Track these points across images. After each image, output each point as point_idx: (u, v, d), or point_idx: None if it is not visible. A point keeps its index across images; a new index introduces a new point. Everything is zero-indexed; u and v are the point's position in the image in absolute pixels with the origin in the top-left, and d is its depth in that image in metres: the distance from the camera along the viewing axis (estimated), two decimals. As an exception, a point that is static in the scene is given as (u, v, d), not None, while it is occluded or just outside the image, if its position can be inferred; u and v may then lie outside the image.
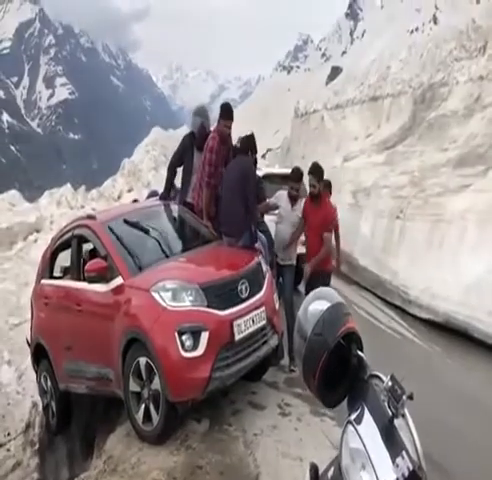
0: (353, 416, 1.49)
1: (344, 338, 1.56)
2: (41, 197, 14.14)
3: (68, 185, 14.11)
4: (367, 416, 1.45)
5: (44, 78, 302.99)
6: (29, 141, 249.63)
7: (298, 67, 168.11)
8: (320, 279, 5.31)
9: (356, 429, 1.44)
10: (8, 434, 5.64)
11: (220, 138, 5.67)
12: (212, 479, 3.58)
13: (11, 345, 7.19)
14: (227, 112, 5.74)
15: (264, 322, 4.41)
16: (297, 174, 5.80)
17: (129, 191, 15.41)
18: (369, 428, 1.42)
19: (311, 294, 1.68)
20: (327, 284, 5.51)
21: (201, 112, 6.37)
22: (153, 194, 7.39)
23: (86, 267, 4.50)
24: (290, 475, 3.61)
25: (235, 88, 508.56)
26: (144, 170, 17.01)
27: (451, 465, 3.91)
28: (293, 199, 5.85)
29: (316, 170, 5.54)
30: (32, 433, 5.81)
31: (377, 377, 1.54)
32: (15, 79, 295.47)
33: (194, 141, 6.11)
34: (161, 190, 6.37)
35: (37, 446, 5.71)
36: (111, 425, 4.76)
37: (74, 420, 5.75)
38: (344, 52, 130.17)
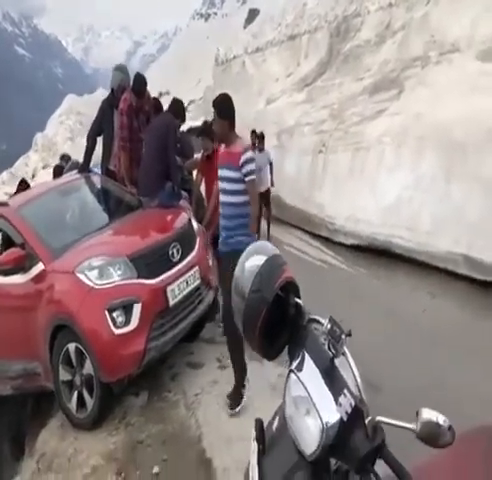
0: (294, 364, 1.49)
1: (281, 289, 1.56)
2: None
3: (-24, 169, 13.03)
4: (308, 361, 1.46)
5: None
6: None
7: (215, 13, 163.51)
8: None
9: (298, 377, 1.44)
10: None
11: (131, 104, 5.54)
12: (154, 451, 3.50)
13: None
14: (138, 87, 5.51)
15: (198, 282, 4.35)
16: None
17: (44, 168, 14.51)
18: (311, 373, 1.44)
19: (246, 250, 1.67)
20: None
21: (121, 68, 6.23)
22: (74, 166, 7.13)
23: (0, 259, 4.15)
24: (233, 425, 3.59)
25: (151, 42, 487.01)
26: (59, 142, 16.09)
27: (382, 382, 4.09)
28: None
29: (206, 129, 5.39)
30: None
31: (316, 321, 1.56)
32: None
33: (114, 101, 5.86)
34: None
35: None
36: (43, 420, 4.54)
37: (1, 422, 5.49)
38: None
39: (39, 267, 4.06)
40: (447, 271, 6.53)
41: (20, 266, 4.11)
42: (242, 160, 3.56)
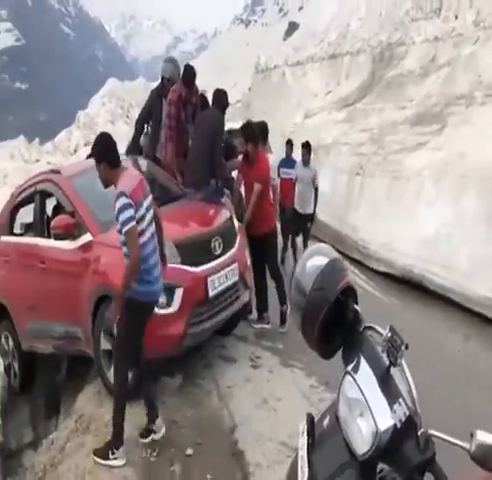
0: (350, 366, 1.52)
1: (341, 293, 1.61)
2: (-9, 150, 13.47)
3: (21, 137, 13.45)
4: (364, 366, 1.50)
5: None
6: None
7: (255, 21, 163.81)
8: (263, 244, 5.37)
9: (354, 378, 1.48)
10: (-33, 395, 5.55)
11: (180, 95, 5.68)
12: (188, 432, 3.67)
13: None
14: (188, 78, 5.67)
15: (236, 278, 4.48)
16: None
17: (85, 145, 14.91)
18: (366, 377, 1.47)
19: (308, 250, 1.71)
20: (272, 248, 5.56)
21: (172, 60, 6.41)
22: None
23: (52, 223, 4.33)
24: (265, 425, 3.73)
25: (191, 41, 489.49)
26: (100, 123, 16.47)
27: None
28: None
29: (243, 129, 5.43)
30: (-8, 394, 5.75)
31: (372, 329, 1.61)
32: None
33: (163, 91, 6.03)
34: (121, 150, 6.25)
35: (-2, 407, 5.69)
36: (78, 384, 4.74)
37: (37, 380, 5.70)
38: (301, 8, 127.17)
39: (87, 237, 4.21)
40: (483, 315, 6.40)
41: (69, 233, 4.25)
42: None
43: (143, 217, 3.25)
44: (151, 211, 3.36)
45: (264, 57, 23.27)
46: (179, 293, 3.89)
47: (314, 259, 1.65)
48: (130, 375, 3.86)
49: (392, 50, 13.93)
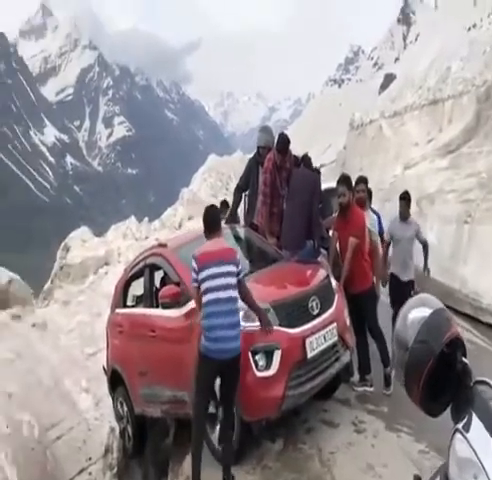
0: (460, 424, 1.42)
1: (447, 345, 1.51)
2: (108, 231, 14.85)
3: (132, 218, 14.78)
4: (476, 423, 1.39)
5: (103, 119, 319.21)
6: (90, 180, 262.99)
7: (349, 79, 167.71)
8: (362, 302, 5.19)
9: (465, 437, 1.38)
10: (89, 458, 5.87)
11: (275, 162, 5.83)
12: None
13: (88, 373, 7.46)
14: (282, 145, 5.82)
15: (336, 339, 4.40)
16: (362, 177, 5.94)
17: (189, 219, 15.86)
18: (480, 436, 1.36)
19: (408, 302, 1.63)
20: (371, 306, 5.34)
21: (267, 129, 6.66)
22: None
23: (160, 293, 4.62)
24: None
25: (285, 108, 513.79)
26: (203, 197, 17.49)
27: None
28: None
29: (345, 179, 5.36)
30: (111, 457, 6.01)
31: (484, 383, 1.49)
32: (77, 123, 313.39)
33: (259, 159, 6.28)
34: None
35: (115, 470, 5.91)
36: (185, 447, 4.83)
37: (148, 444, 5.92)
38: (397, 59, 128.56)
39: (192, 304, 4.35)
40: None
41: (176, 302, 4.50)
42: None
43: (204, 280, 3.71)
44: (226, 278, 3.71)
45: (359, 113, 23.29)
46: (277, 355, 3.90)
47: (416, 310, 1.56)
48: (234, 437, 3.95)
49: (498, 88, 13.35)
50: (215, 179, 20.25)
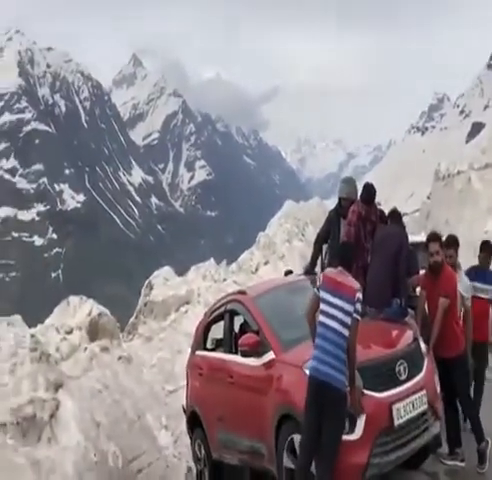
0: None
1: None
2: (188, 271, 15.36)
3: (211, 260, 15.21)
4: None
5: (186, 163, 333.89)
6: (173, 220, 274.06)
7: (433, 127, 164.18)
8: (452, 369, 4.85)
9: None
10: (166, 496, 5.94)
11: (360, 214, 5.69)
12: None
13: (168, 410, 7.62)
14: (367, 195, 5.71)
15: (425, 407, 4.15)
16: (453, 238, 5.47)
17: (265, 264, 16.05)
18: None
19: None
20: (463, 373, 4.94)
21: (349, 180, 6.53)
22: (288, 273, 7.53)
23: (239, 341, 4.68)
24: None
25: (364, 154, 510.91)
26: (278, 243, 17.67)
27: None
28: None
29: (437, 237, 5.04)
30: (186, 497, 6.04)
31: None
32: (162, 166, 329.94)
33: (341, 211, 6.15)
34: (295, 266, 6.49)
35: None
36: None
37: None
38: (487, 106, 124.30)
39: (270, 355, 4.43)
40: None
41: (255, 350, 4.50)
42: None
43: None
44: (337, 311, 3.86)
45: (445, 163, 22.57)
46: (362, 419, 3.76)
47: None
48: None
49: None
50: (291, 225, 20.45)
